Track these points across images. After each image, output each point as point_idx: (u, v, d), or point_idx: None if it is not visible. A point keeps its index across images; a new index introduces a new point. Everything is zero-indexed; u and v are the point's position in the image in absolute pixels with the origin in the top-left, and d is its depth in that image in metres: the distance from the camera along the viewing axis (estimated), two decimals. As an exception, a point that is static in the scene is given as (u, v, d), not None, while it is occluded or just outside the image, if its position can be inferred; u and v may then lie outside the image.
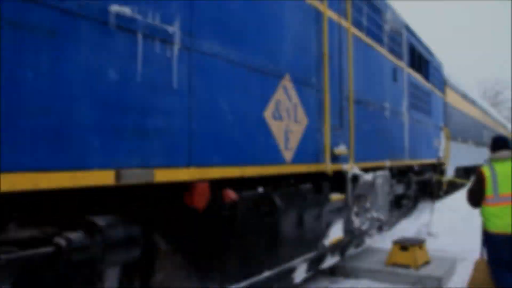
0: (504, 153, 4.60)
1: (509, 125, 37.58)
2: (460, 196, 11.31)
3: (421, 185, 10.41)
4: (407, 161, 8.01)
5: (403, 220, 9.82)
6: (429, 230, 8.47)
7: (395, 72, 7.41)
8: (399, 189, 8.57)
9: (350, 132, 5.35)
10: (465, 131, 17.00)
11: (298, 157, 4.29)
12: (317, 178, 4.76)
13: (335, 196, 4.91)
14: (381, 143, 6.60)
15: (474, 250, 5.29)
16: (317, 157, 4.63)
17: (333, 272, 5.88)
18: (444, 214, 9.90)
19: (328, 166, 4.66)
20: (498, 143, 4.72)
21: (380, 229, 7.83)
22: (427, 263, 5.90)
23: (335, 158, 4.98)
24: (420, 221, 9.36)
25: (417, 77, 9.15)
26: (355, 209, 5.41)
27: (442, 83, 12.51)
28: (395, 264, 5.78)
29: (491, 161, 4.67)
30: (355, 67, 5.71)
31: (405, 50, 8.15)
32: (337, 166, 5.03)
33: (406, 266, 5.68)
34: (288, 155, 4.13)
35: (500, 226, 4.37)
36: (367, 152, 6.06)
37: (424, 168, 10.22)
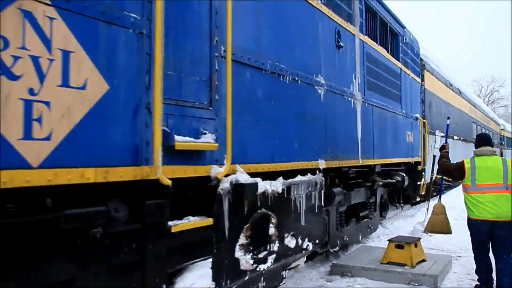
0: (485, 149, 5.17)
1: (500, 121, 35.08)
2: (455, 194, 12.58)
3: (391, 189, 8.33)
4: (361, 161, 5.93)
5: (399, 219, 10.14)
6: (424, 228, 8.63)
7: (339, 36, 5.31)
8: (359, 196, 6.52)
9: (226, 112, 3.23)
10: (451, 125, 15.23)
11: (74, 155, 2.19)
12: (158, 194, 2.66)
13: (186, 223, 2.79)
14: (308, 134, 4.49)
15: (469, 248, 5.39)
16: (135, 154, 2.53)
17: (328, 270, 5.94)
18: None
19: (158, 170, 2.55)
20: (481, 140, 5.31)
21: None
22: (422, 261, 5.94)
23: (190, 156, 2.89)
24: (415, 219, 9.77)
25: (379, 50, 7.05)
26: (242, 240, 3.28)
27: (418, 65, 10.12)
28: (390, 263, 5.77)
29: (474, 155, 5.23)
30: (247, 12, 3.61)
31: (357, 11, 6.04)
32: (195, 170, 2.93)
33: (401, 265, 5.69)
34: (34, 150, 2.03)
35: (476, 214, 4.96)
36: (280, 147, 3.97)
37: (395, 169, 8.16)
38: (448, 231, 7.92)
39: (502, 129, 32.84)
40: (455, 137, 14.63)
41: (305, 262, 6.40)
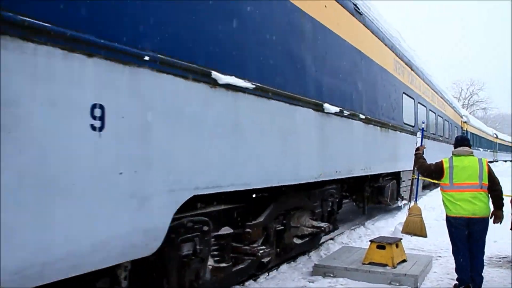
0: (462, 149, 5.50)
1: (463, 112, 28.36)
2: (434, 196, 12.45)
3: None
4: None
5: (380, 220, 10.14)
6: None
7: None
8: None
9: None
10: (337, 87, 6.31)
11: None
12: None
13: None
14: None
15: (449, 248, 5.56)
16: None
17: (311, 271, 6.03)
18: (419, 213, 10.21)
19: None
20: (460, 141, 5.66)
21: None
22: (403, 261, 6.02)
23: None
24: (397, 220, 9.78)
25: None
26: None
27: None
28: (372, 263, 5.85)
29: (452, 155, 5.55)
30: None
31: None
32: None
33: (383, 265, 5.77)
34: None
35: (454, 211, 5.26)
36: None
37: None
38: (423, 235, 7.88)
39: (465, 122, 26.91)
40: (345, 112, 6.55)
41: (287, 263, 6.47)
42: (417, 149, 6.39)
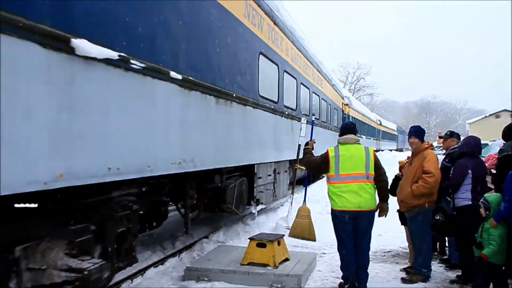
0: (349, 137, 5.19)
1: (345, 92, 25.41)
2: (319, 188, 11.51)
3: None
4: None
5: (260, 215, 8.97)
6: (287, 224, 7.90)
7: None
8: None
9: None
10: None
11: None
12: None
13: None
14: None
15: (334, 244, 5.36)
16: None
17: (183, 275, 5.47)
18: (303, 206, 9.53)
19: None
20: (346, 129, 5.29)
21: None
22: (286, 260, 5.72)
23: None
24: (278, 214, 9.14)
25: None
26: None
27: None
28: (252, 263, 5.48)
29: (338, 143, 5.22)
30: None
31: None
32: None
33: (264, 265, 5.43)
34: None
35: (339, 204, 4.94)
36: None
37: None
38: (311, 238, 7.58)
39: (347, 105, 23.02)
40: (134, 62, 3.68)
41: (155, 266, 5.78)
42: (307, 143, 5.92)
